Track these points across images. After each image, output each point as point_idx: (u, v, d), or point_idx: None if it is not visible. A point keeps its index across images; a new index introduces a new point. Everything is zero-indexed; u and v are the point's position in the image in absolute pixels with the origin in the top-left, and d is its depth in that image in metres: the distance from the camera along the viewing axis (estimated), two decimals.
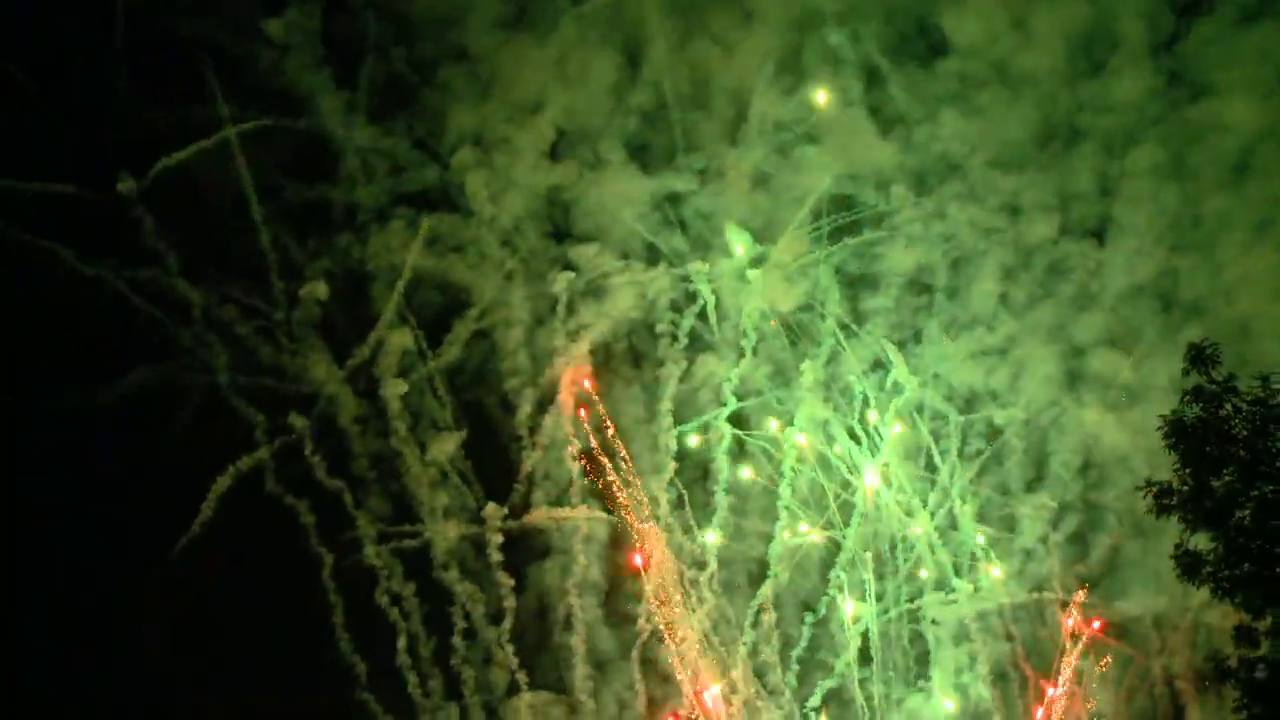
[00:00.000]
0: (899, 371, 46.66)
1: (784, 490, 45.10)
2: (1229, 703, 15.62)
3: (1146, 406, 44.11)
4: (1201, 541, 15.49)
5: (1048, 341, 46.70)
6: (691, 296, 47.32)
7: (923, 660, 42.53)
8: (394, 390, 46.61)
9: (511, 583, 45.04)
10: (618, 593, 45.75)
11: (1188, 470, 15.36)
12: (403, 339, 46.43)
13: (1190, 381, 15.40)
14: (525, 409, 46.78)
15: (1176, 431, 15.36)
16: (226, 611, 42.21)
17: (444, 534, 45.98)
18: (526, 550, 45.97)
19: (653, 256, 47.53)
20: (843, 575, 43.59)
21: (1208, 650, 16.05)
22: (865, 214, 47.66)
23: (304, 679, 41.40)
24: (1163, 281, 47.05)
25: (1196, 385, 15.39)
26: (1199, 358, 15.36)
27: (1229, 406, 15.21)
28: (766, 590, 43.84)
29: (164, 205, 43.51)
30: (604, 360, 47.39)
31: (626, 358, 48.08)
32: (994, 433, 46.47)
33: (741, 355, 47.56)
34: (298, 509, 43.91)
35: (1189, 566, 15.47)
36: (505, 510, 46.01)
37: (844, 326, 47.52)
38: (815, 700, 41.54)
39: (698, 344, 47.50)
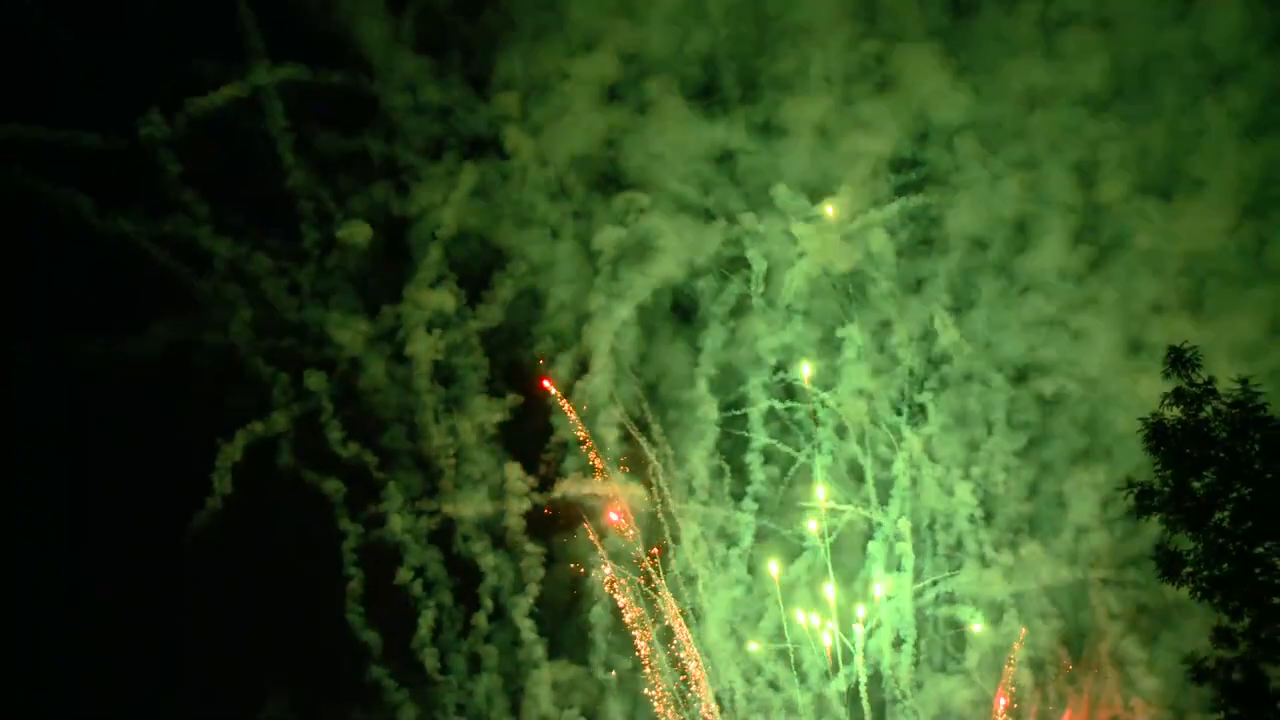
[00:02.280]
0: (949, 339, 47.34)
1: (819, 463, 46.33)
2: None
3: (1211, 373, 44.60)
4: (1182, 542, 16.61)
5: (1109, 309, 47.26)
6: (742, 257, 48.31)
7: (958, 643, 43.69)
8: (423, 349, 48.14)
9: (541, 553, 46.50)
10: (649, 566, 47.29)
11: (1169, 472, 16.45)
12: (441, 298, 47.45)
13: (1171, 384, 16.45)
14: (561, 374, 48.34)
15: (1157, 434, 16.43)
16: (242, 584, 44.09)
17: (471, 505, 47.53)
18: (557, 520, 46.87)
19: (704, 212, 48.40)
20: (878, 551, 44.81)
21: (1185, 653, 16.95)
22: (928, 174, 48.54)
23: (317, 655, 43.41)
24: (1234, 244, 47.43)
25: (1177, 388, 16.43)
26: (1179, 361, 16.41)
27: (1209, 409, 16.24)
28: (800, 567, 45.25)
29: (193, 154, 43.80)
30: (648, 321, 48.74)
31: (671, 319, 49.32)
32: (1046, 405, 47.29)
33: (788, 320, 48.68)
34: (316, 481, 45.60)
35: (1169, 567, 16.58)
36: (534, 480, 47.45)
37: (894, 293, 48.33)
38: (840, 684, 42.89)
39: (745, 307, 48.67)
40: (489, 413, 47.91)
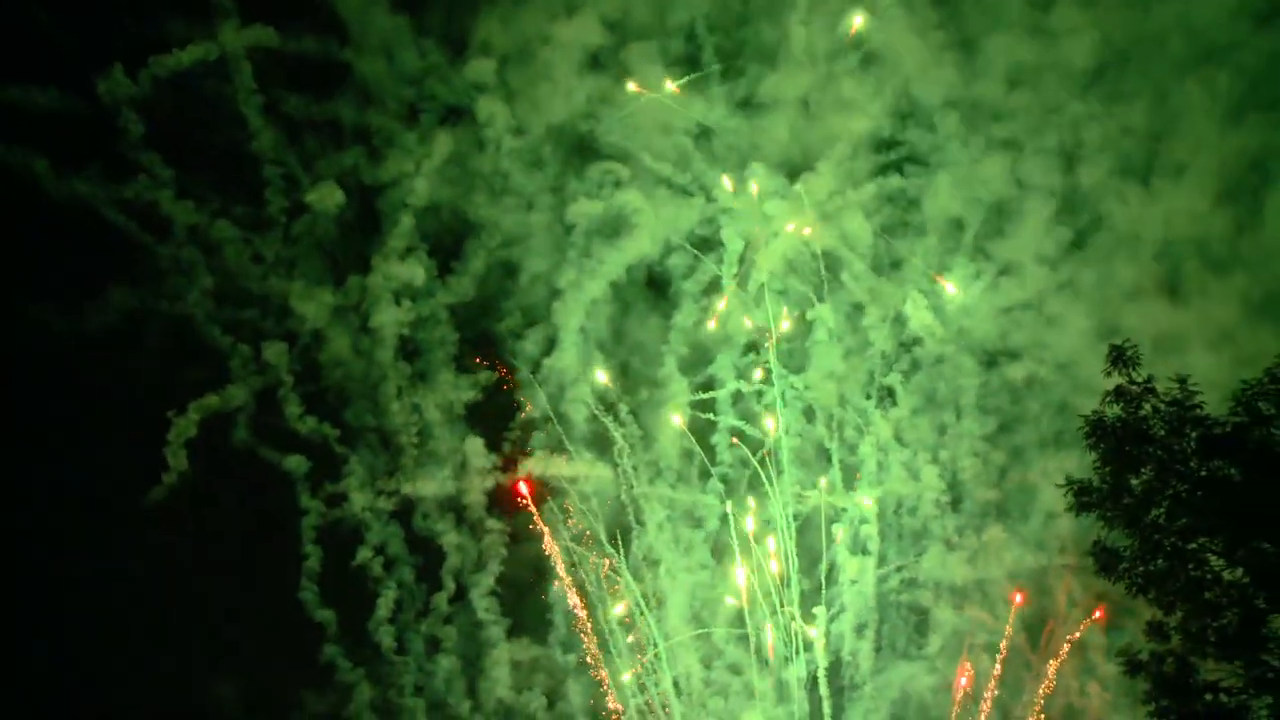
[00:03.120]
0: (920, 321, 47.88)
1: (786, 446, 46.89)
2: None
3: (1186, 358, 45.53)
4: (1119, 539, 17.28)
5: (1085, 293, 47.92)
6: (717, 235, 48.46)
7: (921, 628, 44.55)
8: (390, 322, 48.13)
9: (503, 532, 46.87)
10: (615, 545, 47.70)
11: (1107, 469, 17.10)
12: (410, 269, 47.30)
13: (1111, 382, 17.07)
14: (530, 349, 48.56)
15: (1097, 431, 17.07)
16: (195, 563, 44.20)
17: (435, 483, 47.76)
18: (521, 499, 46.72)
19: (681, 189, 48.60)
20: (843, 534, 45.53)
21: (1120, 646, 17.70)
22: (908, 154, 48.89)
23: (270, 635, 43.67)
24: (1212, 229, 48.14)
25: (1118, 386, 17.05)
26: (1120, 359, 17.03)
27: (1148, 407, 16.87)
28: (765, 551, 45.90)
29: (156, 115, 43.29)
30: (621, 298, 49.05)
31: (645, 296, 49.50)
32: (1017, 390, 48.00)
33: (760, 300, 49.06)
34: (274, 458, 45.75)
35: (1106, 563, 17.28)
36: (499, 458, 47.75)
37: (868, 274, 48.75)
38: (799, 669, 43.67)
39: (719, 286, 49.06)
40: (455, 389, 48.25)
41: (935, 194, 48.37)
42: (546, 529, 45.75)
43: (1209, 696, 16.54)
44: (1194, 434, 16.61)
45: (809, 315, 47.87)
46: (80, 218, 43.47)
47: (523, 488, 45.81)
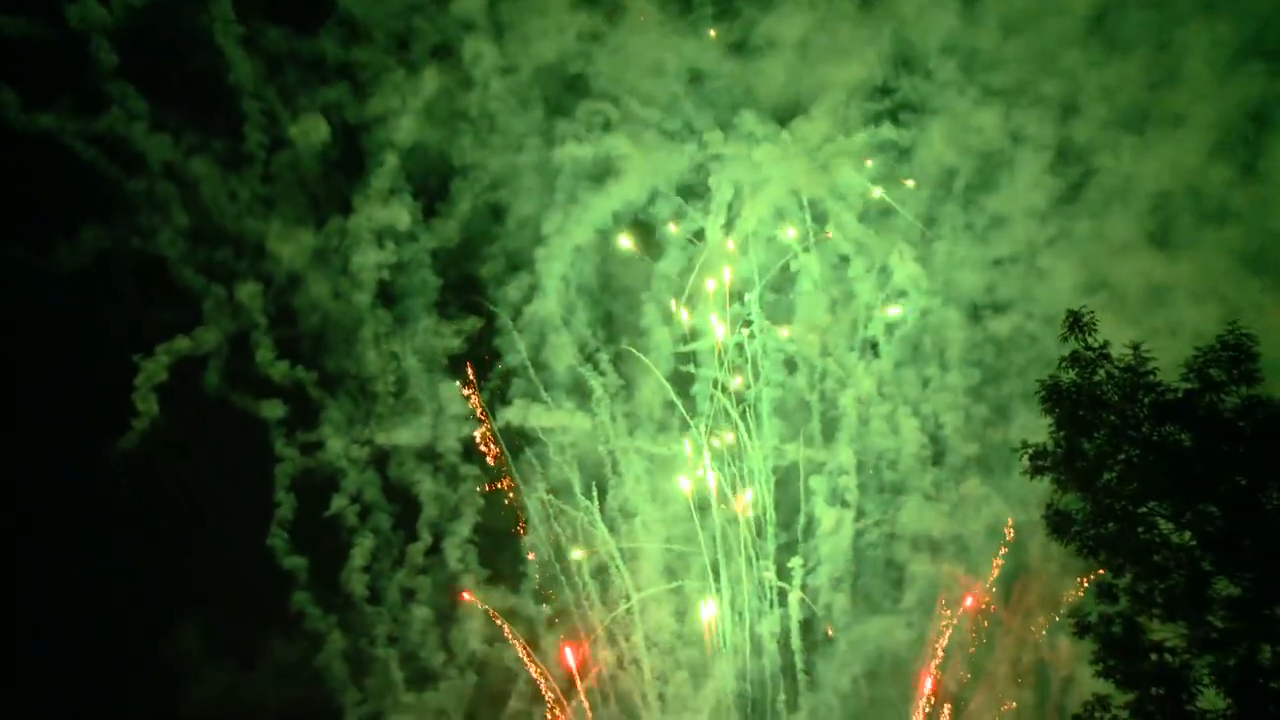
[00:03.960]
0: (907, 273, 48.28)
1: (767, 398, 47.55)
2: None
3: (1176, 311, 46.18)
4: (1072, 501, 17.98)
5: (1074, 246, 48.33)
6: (706, 182, 48.92)
7: (897, 583, 45.55)
8: (371, 265, 48.28)
9: (480, 481, 47.50)
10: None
11: (1062, 433, 17.76)
12: (394, 211, 47.57)
13: (1068, 347, 17.70)
14: (513, 295, 48.88)
15: (1053, 395, 17.70)
16: (163, 510, 44.63)
17: (412, 430, 48.21)
18: (498, 447, 48.03)
19: (670, 134, 48.86)
20: (821, 487, 46.34)
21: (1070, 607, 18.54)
22: (902, 102, 49.03)
23: (240, 583, 44.34)
24: (1206, 181, 48.45)
25: (1073, 351, 17.67)
26: (1076, 324, 17.62)
27: (1103, 372, 17.50)
28: (742, 504, 46.73)
29: (129, 45, 42.93)
30: (606, 246, 49.38)
31: (631, 243, 49.78)
32: (1002, 343, 48.56)
33: (747, 250, 49.38)
34: (247, 404, 46.14)
35: (1058, 525, 17.99)
36: (477, 406, 48.16)
37: (857, 225, 49.03)
38: (774, 624, 44.69)
39: (705, 233, 49.35)
40: (436, 336, 48.57)
41: (928, 143, 48.65)
42: (513, 482, 46.42)
43: (1154, 656, 17.29)
44: (1147, 400, 17.23)
45: (793, 266, 48.22)
46: (49, 152, 43.34)
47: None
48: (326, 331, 48.53)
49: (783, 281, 49.32)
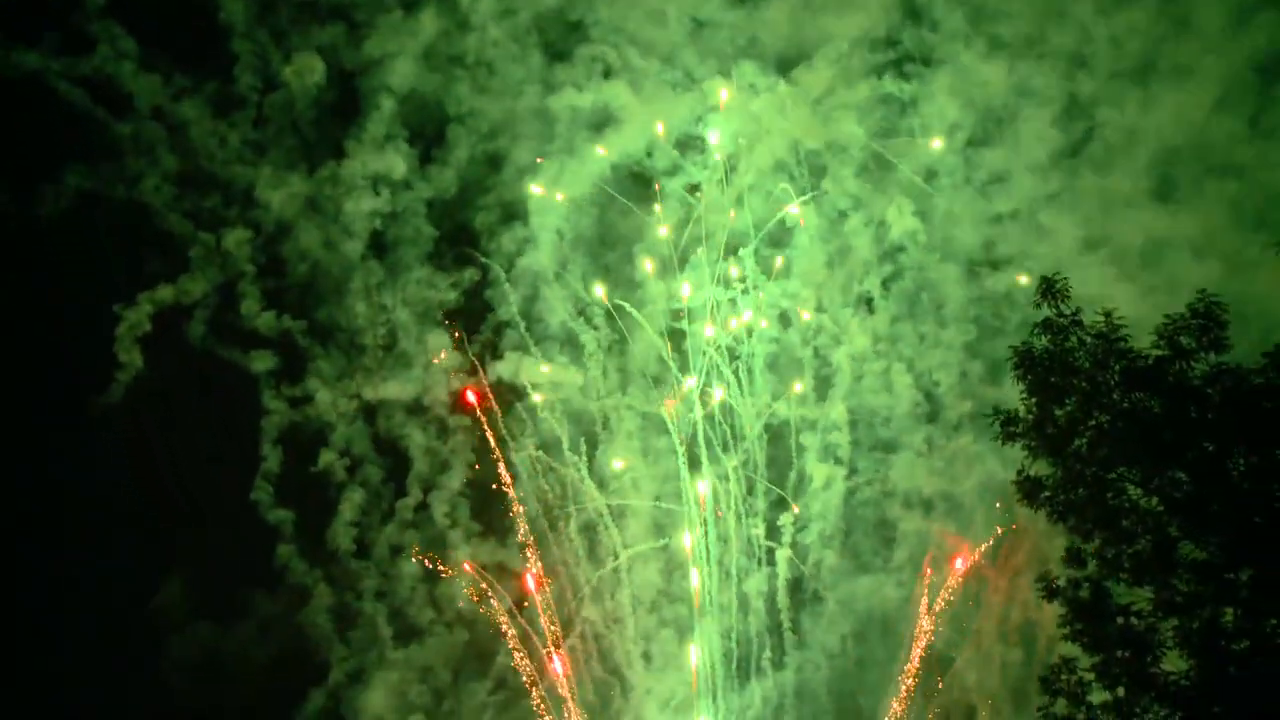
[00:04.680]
0: (905, 228, 48.57)
1: (760, 353, 48.08)
2: None
3: (1171, 267, 46.59)
4: (1042, 467, 18.60)
5: (1076, 201, 48.60)
6: (705, 132, 49.04)
7: (887, 542, 46.31)
8: (363, 214, 48.46)
9: (469, 433, 47.99)
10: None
11: (1034, 399, 18.33)
12: (389, 159, 47.92)
13: (1040, 314, 18.24)
14: (507, 246, 49.16)
15: (1025, 362, 18.25)
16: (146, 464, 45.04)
17: (401, 383, 48.67)
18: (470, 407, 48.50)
19: (670, 83, 49.00)
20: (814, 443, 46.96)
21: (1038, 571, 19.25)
22: (906, 53, 49.06)
23: (225, 536, 44.87)
24: (1210, 135, 48.65)
25: (1046, 318, 18.19)
26: (1049, 291, 18.13)
27: (1075, 339, 18.03)
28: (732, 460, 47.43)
29: None
30: (602, 198, 49.60)
31: (630, 193, 50.00)
32: (999, 300, 48.99)
33: (744, 202, 49.59)
34: (232, 356, 46.51)
35: (1029, 491, 18.62)
36: (469, 358, 48.60)
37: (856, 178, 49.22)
38: (762, 582, 45.49)
39: (702, 186, 49.52)
40: (428, 288, 48.89)
41: (931, 96, 48.76)
42: (494, 436, 46.92)
43: (1120, 620, 17.96)
44: (1118, 367, 17.74)
45: (789, 222, 48.54)
46: (32, 93, 43.39)
47: (471, 397, 46.75)
48: (316, 282, 48.94)
49: (780, 236, 49.75)
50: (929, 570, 44.62)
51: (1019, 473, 18.67)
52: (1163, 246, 48.15)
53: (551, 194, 48.49)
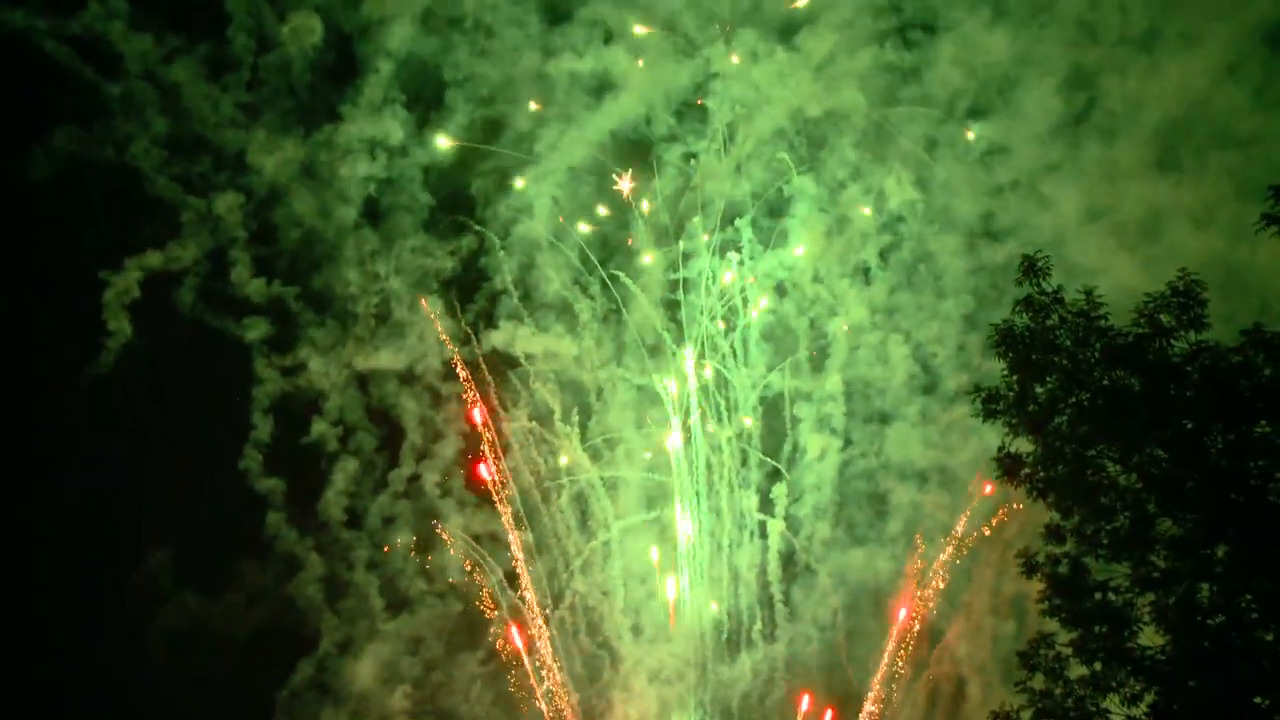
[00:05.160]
0: (904, 198, 48.74)
1: (756, 325, 48.44)
2: None
3: (1171, 237, 46.79)
4: (1023, 444, 19.01)
5: (1078, 172, 48.73)
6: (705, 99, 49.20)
7: (880, 514, 46.79)
8: (358, 180, 48.53)
9: (462, 401, 48.34)
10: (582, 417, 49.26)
11: (1015, 377, 18.72)
12: (386, 123, 47.90)
13: (1022, 292, 18.60)
14: (503, 214, 49.35)
15: (1006, 340, 18.63)
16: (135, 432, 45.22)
17: (393, 353, 48.95)
18: (482, 370, 48.93)
19: (670, 50, 48.99)
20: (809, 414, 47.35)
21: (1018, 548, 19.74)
22: (910, 19, 49.09)
23: (215, 506, 45.23)
24: (1215, 105, 48.68)
25: (1027, 295, 18.55)
26: (1031, 269, 18.49)
27: (1055, 317, 18.40)
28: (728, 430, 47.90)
29: None
30: (599, 165, 49.79)
31: (629, 161, 50.14)
32: (998, 271, 49.13)
33: (743, 172, 49.77)
34: (223, 324, 46.75)
35: (1009, 468, 19.04)
36: (463, 327, 48.89)
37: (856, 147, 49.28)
38: (754, 554, 46.04)
39: (702, 153, 49.71)
40: (424, 255, 49.10)
41: (935, 64, 48.82)
42: (486, 408, 47.16)
43: (1098, 595, 18.46)
44: (1098, 345, 18.10)
45: (786, 191, 48.78)
46: (19, 52, 43.37)
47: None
48: (309, 249, 49.13)
49: (778, 205, 49.98)
50: (920, 543, 45.18)
51: (1000, 449, 19.05)
52: (1165, 217, 48.32)
53: (551, 161, 48.56)
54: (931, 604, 44.98)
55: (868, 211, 48.84)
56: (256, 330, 47.79)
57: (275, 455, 46.82)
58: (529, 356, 48.16)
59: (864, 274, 48.80)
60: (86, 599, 45.07)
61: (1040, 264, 18.41)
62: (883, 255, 49.20)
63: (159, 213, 46.88)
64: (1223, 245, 43.94)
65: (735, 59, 48.47)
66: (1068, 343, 18.31)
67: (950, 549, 44.59)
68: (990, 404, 18.91)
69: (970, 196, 49.33)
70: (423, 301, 48.42)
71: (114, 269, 45.09)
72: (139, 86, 45.61)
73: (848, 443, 47.26)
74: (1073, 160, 49.38)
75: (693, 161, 49.88)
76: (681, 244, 49.48)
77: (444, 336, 48.35)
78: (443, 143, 48.35)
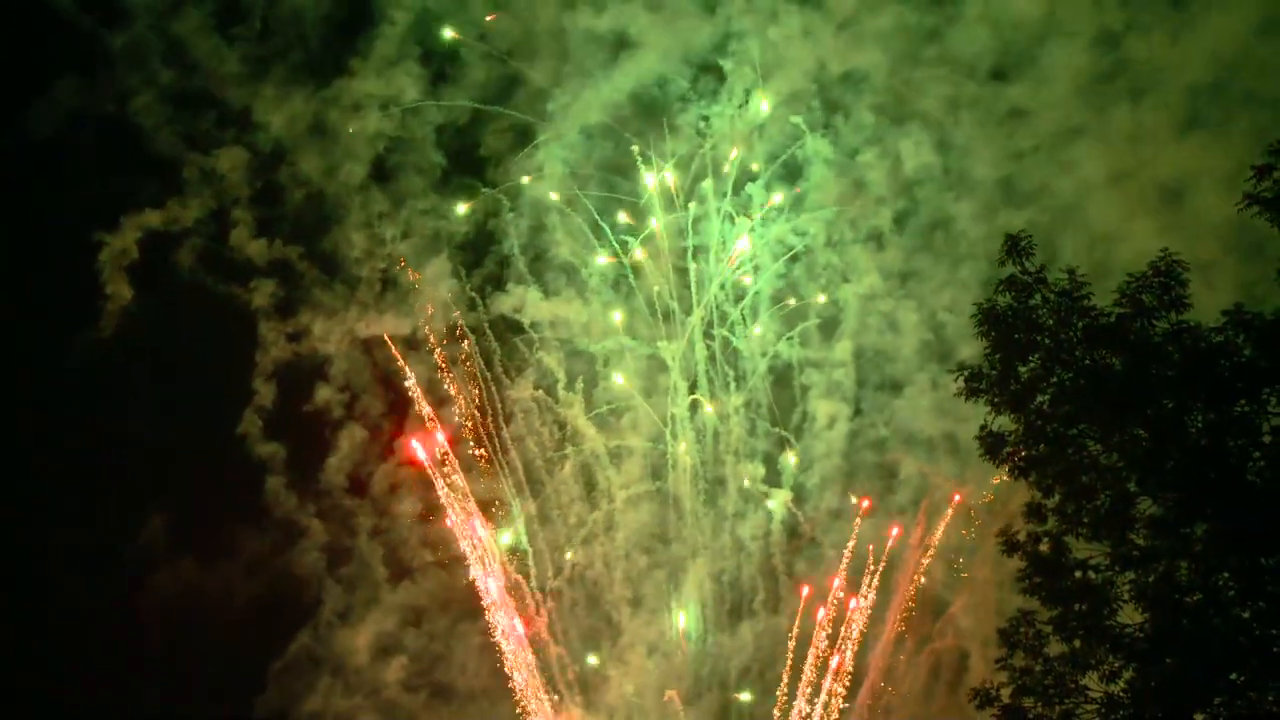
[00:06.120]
0: (920, 161, 48.95)
1: (766, 292, 48.93)
2: None
3: (1194, 200, 46.90)
4: (1005, 423, 19.62)
5: (1099, 136, 48.78)
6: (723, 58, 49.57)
7: (888, 485, 47.34)
8: (368, 137, 48.86)
9: (470, 363, 48.93)
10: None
11: (997, 356, 19.30)
12: (398, 80, 48.25)
13: (1005, 272, 19.15)
14: (514, 173, 49.73)
15: (989, 319, 19.19)
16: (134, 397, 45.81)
17: (399, 316, 49.49)
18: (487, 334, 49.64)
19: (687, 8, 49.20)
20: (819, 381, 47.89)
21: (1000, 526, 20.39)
22: None
23: (212, 473, 45.95)
24: (1246, 64, 48.58)
25: (1010, 275, 19.09)
26: (1015, 249, 19.03)
27: (1038, 297, 18.94)
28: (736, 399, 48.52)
29: None
30: (614, 127, 50.15)
31: (644, 122, 50.51)
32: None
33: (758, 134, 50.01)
34: (223, 287, 47.36)
35: (991, 446, 19.65)
36: (471, 289, 49.46)
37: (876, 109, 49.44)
38: (758, 524, 46.73)
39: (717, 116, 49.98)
40: (433, 217, 49.53)
41: (958, 22, 48.84)
42: (489, 376, 47.64)
43: (1078, 574, 19.11)
44: (1080, 324, 18.67)
45: (801, 156, 48.98)
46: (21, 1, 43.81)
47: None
48: (316, 209, 49.58)
49: (793, 169, 50.27)
50: (924, 513, 45.81)
51: (982, 428, 19.65)
52: (1191, 180, 48.43)
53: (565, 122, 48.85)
54: (937, 574, 45.63)
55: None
56: (260, 293, 48.06)
57: (277, 421, 47.47)
58: (534, 324, 48.61)
59: (878, 239, 48.96)
60: (83, 566, 45.88)
61: (1023, 244, 18.91)
62: (898, 220, 49.40)
63: (159, 170, 47.17)
64: (1247, 209, 43.96)
65: (754, 18, 48.45)
66: (1050, 322, 18.84)
67: (953, 515, 45.19)
68: (973, 383, 19.46)
69: (990, 160, 49.50)
70: (414, 275, 48.57)
71: (110, 230, 45.59)
72: (144, 37, 45.70)
73: (857, 412, 47.73)
74: (1098, 122, 49.47)
75: (706, 123, 50.01)
76: (693, 208, 49.73)
77: (448, 302, 48.54)
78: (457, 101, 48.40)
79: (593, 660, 46.45)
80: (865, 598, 45.49)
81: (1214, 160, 48.52)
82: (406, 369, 46.60)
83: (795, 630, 45.43)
